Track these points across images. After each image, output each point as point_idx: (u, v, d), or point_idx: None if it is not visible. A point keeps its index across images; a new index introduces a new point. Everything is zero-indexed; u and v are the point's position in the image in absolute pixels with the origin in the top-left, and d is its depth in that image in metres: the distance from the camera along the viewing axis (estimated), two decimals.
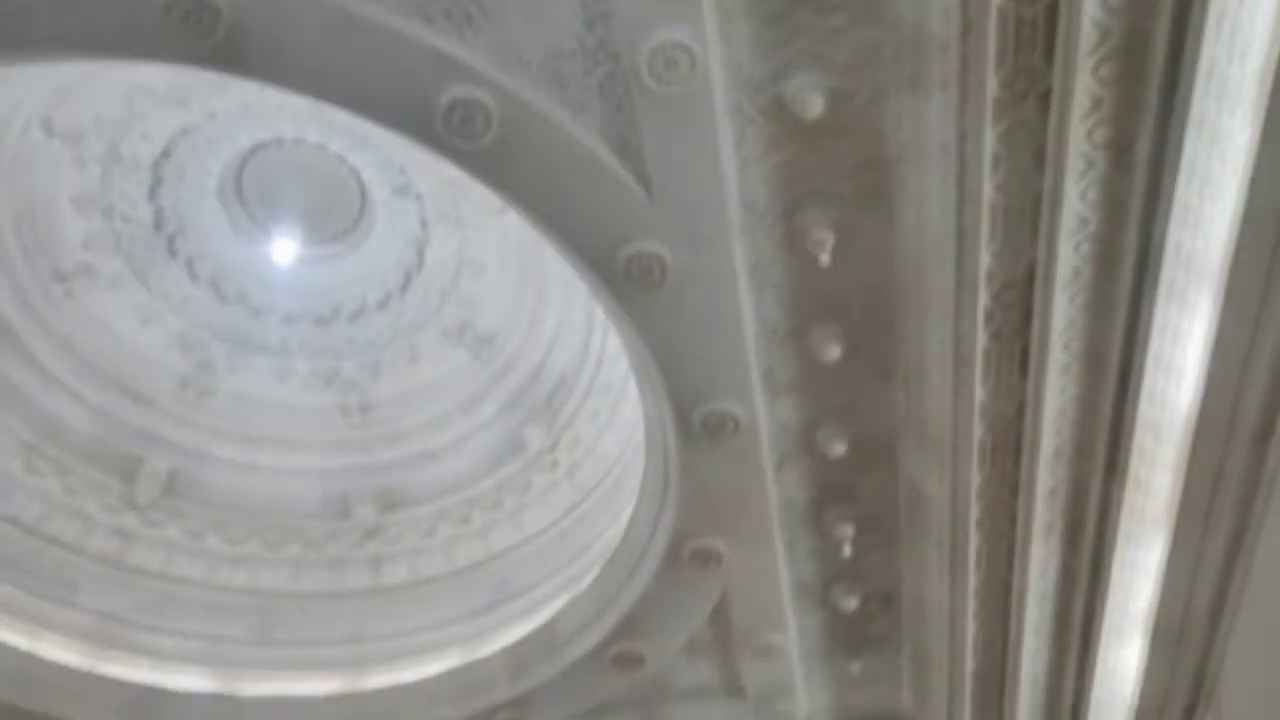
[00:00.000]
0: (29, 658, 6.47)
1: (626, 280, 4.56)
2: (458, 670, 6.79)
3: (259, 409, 7.77)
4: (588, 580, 6.41)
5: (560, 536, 7.15)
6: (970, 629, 5.66)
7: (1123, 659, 5.29)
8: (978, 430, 4.71)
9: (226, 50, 3.89)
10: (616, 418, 6.92)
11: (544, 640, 6.57)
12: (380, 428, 7.85)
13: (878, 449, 5.32)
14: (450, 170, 4.59)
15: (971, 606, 5.54)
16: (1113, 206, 3.92)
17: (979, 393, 4.64)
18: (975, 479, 4.90)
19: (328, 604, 7.39)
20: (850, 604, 6.06)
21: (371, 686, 6.93)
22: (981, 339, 4.47)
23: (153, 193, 7.26)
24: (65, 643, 6.67)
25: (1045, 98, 3.76)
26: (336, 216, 7.59)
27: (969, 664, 5.88)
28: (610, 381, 6.96)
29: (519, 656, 6.64)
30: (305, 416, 7.85)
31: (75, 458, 7.12)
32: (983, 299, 4.35)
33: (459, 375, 7.72)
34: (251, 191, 7.43)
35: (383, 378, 7.88)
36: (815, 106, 3.95)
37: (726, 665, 6.54)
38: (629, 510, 6.12)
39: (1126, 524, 4.63)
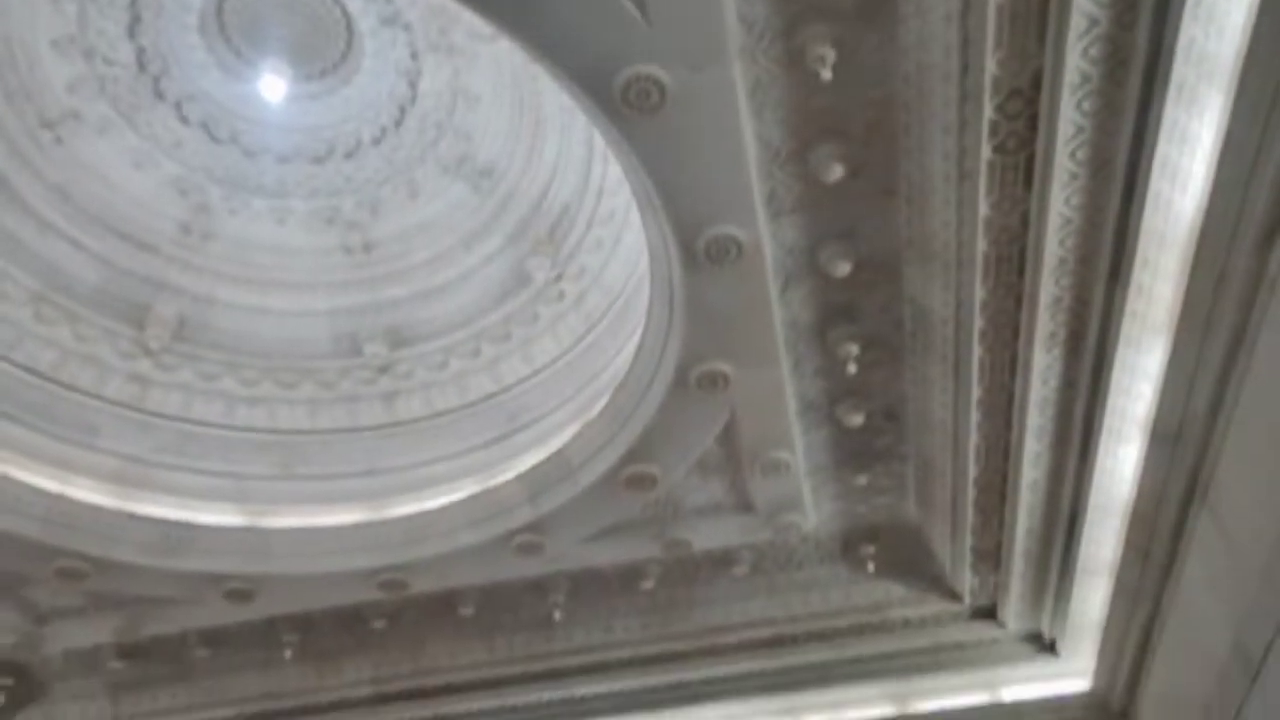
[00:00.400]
0: (60, 499, 6.70)
1: (624, 105, 4.47)
2: (476, 497, 7.01)
3: (261, 251, 7.75)
4: (598, 407, 6.53)
5: (569, 366, 7.25)
6: (973, 438, 5.79)
7: (1121, 461, 5.43)
8: (981, 244, 4.70)
9: None
10: (620, 246, 6.90)
11: (558, 466, 6.75)
12: (384, 266, 7.85)
13: (881, 267, 5.34)
14: None
15: (974, 417, 5.66)
16: (1124, 4, 3.79)
17: (983, 206, 4.61)
18: (979, 292, 4.91)
19: (345, 439, 7.56)
20: (855, 420, 6.19)
21: (393, 515, 7.18)
22: (985, 152, 4.41)
23: (132, 31, 7.04)
24: (93, 485, 6.89)
25: None
26: (324, 50, 7.36)
27: (971, 472, 6.04)
28: (613, 210, 6.91)
29: (534, 482, 6.85)
30: (308, 257, 7.84)
31: (83, 305, 7.17)
32: (987, 111, 4.27)
33: (460, 209, 7.66)
34: (234, 26, 7.19)
35: (383, 215, 7.82)
36: None
37: (736, 483, 6.75)
38: (636, 338, 6.19)
39: (1128, 330, 4.67)
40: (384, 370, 7.72)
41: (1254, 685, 5.10)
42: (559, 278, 7.35)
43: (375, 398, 7.66)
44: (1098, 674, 7.07)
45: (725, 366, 5.80)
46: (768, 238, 5.15)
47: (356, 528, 7.15)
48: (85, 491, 6.85)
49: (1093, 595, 6.48)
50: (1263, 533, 4.64)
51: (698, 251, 5.12)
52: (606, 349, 6.94)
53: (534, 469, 6.83)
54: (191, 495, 7.11)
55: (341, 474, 7.47)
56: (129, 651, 7.73)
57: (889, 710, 7.42)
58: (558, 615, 7.55)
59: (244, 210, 7.75)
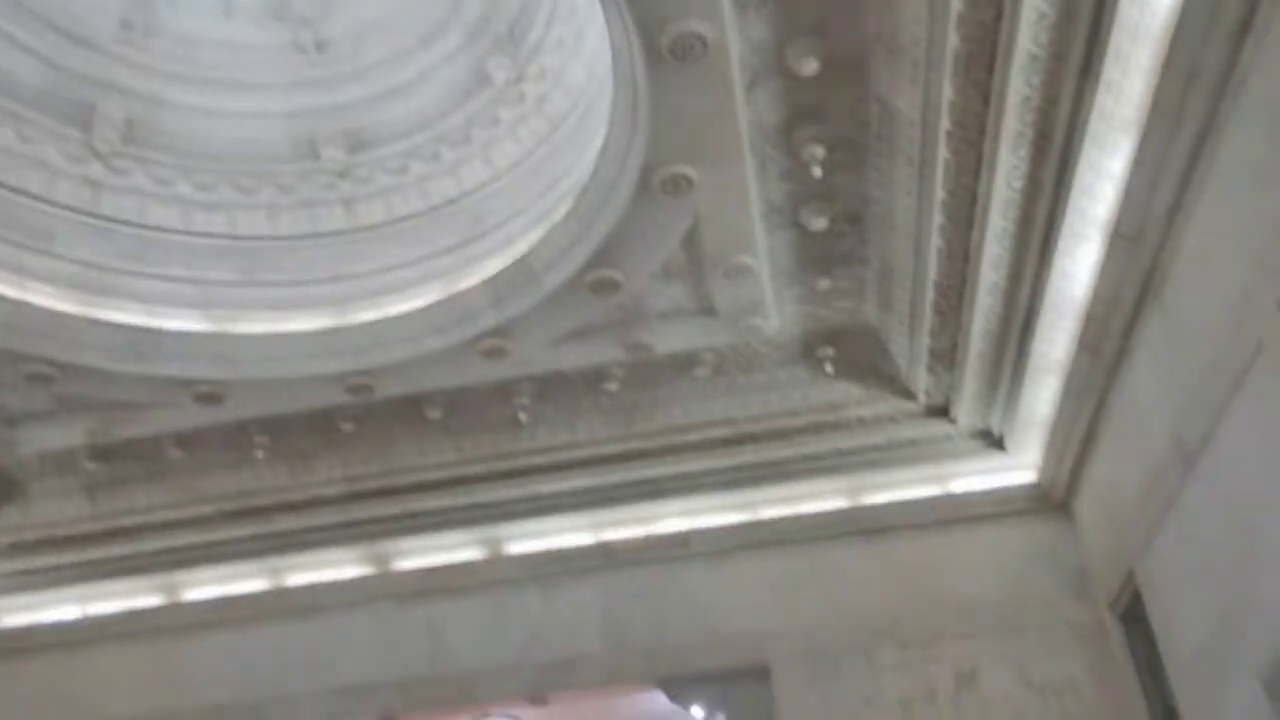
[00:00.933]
0: (21, 305, 6.62)
1: None
2: (441, 302, 7.02)
3: (209, 48, 7.38)
4: (561, 211, 6.48)
5: (532, 170, 7.14)
6: (935, 241, 5.84)
7: (1078, 262, 5.51)
8: (952, 38, 4.59)
9: None
10: (582, 45, 6.68)
11: (522, 271, 6.76)
12: (339, 65, 7.54)
13: (849, 65, 5.23)
14: None
15: (937, 219, 5.68)
16: None
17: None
18: (947, 91, 4.84)
19: (307, 245, 7.46)
20: (819, 223, 6.21)
21: (358, 321, 7.20)
22: None
23: None
24: (53, 291, 6.80)
25: None
26: None
27: (932, 274, 6.12)
28: (574, 6, 6.64)
29: (499, 287, 6.87)
30: (259, 56, 7.50)
31: (25, 106, 6.82)
32: None
33: (416, 4, 7.33)
34: None
35: (335, 10, 7.44)
36: None
37: (699, 287, 6.81)
38: (599, 141, 6.08)
39: (1095, 128, 4.65)
40: (343, 175, 7.55)
41: (1189, 476, 5.37)
42: (519, 78, 7.14)
43: (335, 202, 7.53)
44: (1043, 468, 7.41)
45: (689, 170, 5.74)
46: (734, 34, 5.00)
47: (322, 333, 7.17)
48: (46, 298, 6.77)
49: (1043, 393, 6.71)
50: (1211, 329, 4.78)
51: (662, 49, 4.96)
52: (569, 153, 6.83)
53: (498, 274, 6.83)
54: (154, 301, 7.05)
55: (305, 280, 7.42)
56: (103, 453, 7.85)
57: (843, 503, 7.78)
58: (523, 417, 7.73)
59: (186, 5, 7.34)
